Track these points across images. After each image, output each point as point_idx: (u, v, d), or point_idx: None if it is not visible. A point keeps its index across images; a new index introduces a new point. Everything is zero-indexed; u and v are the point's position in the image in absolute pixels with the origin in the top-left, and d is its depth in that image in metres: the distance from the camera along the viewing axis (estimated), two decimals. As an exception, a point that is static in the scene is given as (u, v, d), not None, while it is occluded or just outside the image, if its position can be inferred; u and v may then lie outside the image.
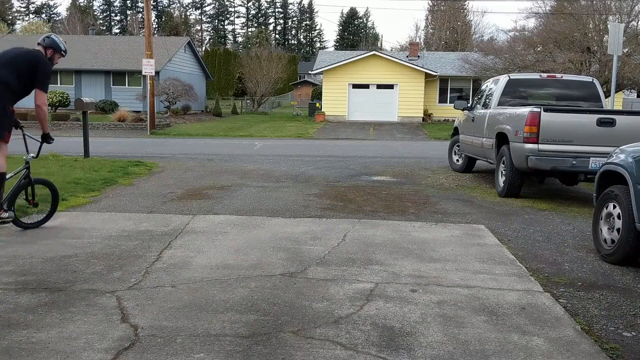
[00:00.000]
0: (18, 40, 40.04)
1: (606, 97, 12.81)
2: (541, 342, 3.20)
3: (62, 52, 5.67)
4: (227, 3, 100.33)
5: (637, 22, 23.34)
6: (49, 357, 2.87)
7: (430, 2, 71.21)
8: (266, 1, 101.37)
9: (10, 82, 5.21)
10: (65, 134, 21.64)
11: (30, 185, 5.74)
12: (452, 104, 12.38)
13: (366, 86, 31.42)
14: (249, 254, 4.84)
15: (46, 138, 5.62)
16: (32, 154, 5.68)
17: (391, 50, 57.92)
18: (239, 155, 13.71)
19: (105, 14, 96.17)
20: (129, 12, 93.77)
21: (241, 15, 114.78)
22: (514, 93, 9.40)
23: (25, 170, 5.68)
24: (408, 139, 22.50)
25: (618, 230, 4.88)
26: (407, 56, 35.53)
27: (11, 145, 5.55)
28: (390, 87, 31.42)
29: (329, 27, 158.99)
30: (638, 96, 32.85)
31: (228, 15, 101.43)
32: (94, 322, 3.32)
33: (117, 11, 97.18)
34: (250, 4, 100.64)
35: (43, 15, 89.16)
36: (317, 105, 33.39)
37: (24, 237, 5.31)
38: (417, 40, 59.73)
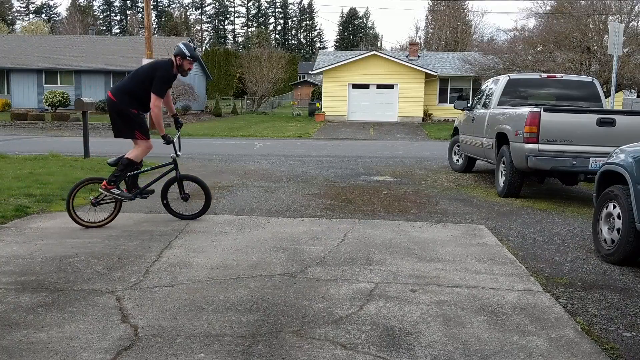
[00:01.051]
0: (18, 40, 40.10)
1: (606, 97, 12.82)
2: (541, 342, 3.20)
3: (188, 57, 5.81)
4: (227, 3, 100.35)
5: (637, 22, 23.34)
6: (49, 357, 2.87)
7: (430, 2, 71.26)
8: (266, 1, 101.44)
9: (132, 90, 5.77)
10: (65, 134, 21.65)
11: (178, 180, 6.15)
12: (452, 104, 12.38)
13: (366, 86, 31.42)
14: (249, 254, 4.84)
15: (165, 138, 5.79)
16: (178, 153, 6.02)
17: (391, 50, 57.94)
18: (239, 155, 13.70)
19: (105, 14, 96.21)
20: (129, 12, 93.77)
21: (241, 15, 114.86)
22: (514, 93, 9.40)
23: (170, 165, 6.10)
24: (408, 139, 22.50)
25: (618, 230, 4.88)
26: (407, 56, 35.53)
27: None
28: (390, 87, 31.42)
29: (329, 27, 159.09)
30: (638, 96, 32.84)
31: (228, 15, 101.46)
32: (94, 322, 3.32)
33: (117, 11, 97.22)
34: (250, 4, 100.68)
35: (43, 15, 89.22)
36: (317, 105, 33.39)
37: (24, 237, 5.31)
38: (417, 40, 59.72)
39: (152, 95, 5.67)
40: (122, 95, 5.74)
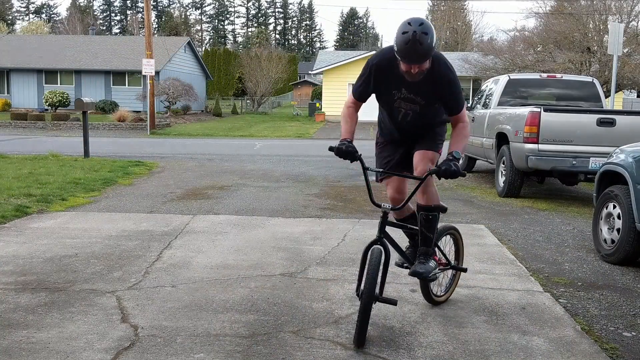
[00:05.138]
0: (18, 40, 40.09)
1: (606, 97, 12.81)
2: (541, 342, 3.20)
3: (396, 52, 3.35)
4: (227, 3, 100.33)
5: (637, 22, 23.33)
6: (49, 357, 2.87)
7: (430, 2, 71.30)
8: (266, 1, 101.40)
9: None
10: (65, 134, 21.65)
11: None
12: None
13: (366, 86, 31.36)
14: (249, 254, 4.83)
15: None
16: None
17: (391, 50, 57.77)
18: (239, 155, 13.70)
19: (105, 14, 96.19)
20: (129, 12, 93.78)
21: (241, 15, 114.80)
22: (514, 93, 9.40)
23: None
24: (408, 139, 22.47)
25: (618, 230, 4.88)
26: (407, 56, 35.47)
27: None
28: (391, 87, 31.37)
29: (329, 27, 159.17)
30: (638, 96, 32.84)
31: (228, 15, 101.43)
32: (94, 322, 3.32)
33: (117, 11, 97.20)
34: (250, 4, 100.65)
35: (43, 15, 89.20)
36: (317, 105, 33.39)
37: (24, 237, 5.31)
38: (417, 40, 59.52)
39: None
40: None
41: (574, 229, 6.26)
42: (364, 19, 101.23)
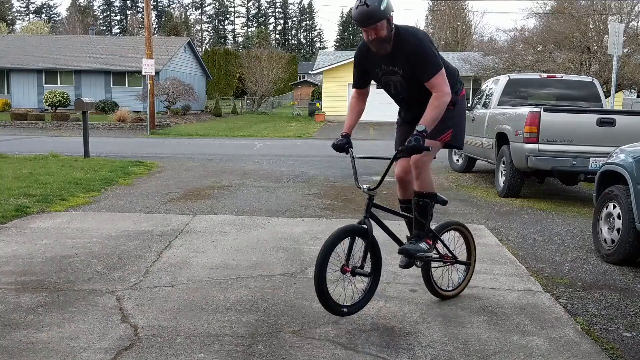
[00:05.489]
0: (18, 40, 40.09)
1: (606, 97, 12.81)
2: (541, 342, 3.20)
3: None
4: (227, 3, 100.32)
5: (637, 22, 23.35)
6: (49, 357, 2.87)
7: (430, 2, 71.25)
8: (266, 1, 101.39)
9: None
10: (65, 134, 21.65)
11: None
12: (452, 104, 12.35)
13: (366, 86, 31.38)
14: (249, 254, 4.83)
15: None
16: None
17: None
18: (239, 155, 13.70)
19: (105, 14, 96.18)
20: (129, 12, 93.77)
21: (241, 15, 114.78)
22: (514, 93, 9.40)
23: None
24: (408, 139, 22.47)
25: (618, 230, 4.88)
26: (407, 56, 35.48)
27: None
28: (391, 87, 31.38)
29: (329, 27, 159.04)
30: (638, 96, 32.84)
31: (228, 15, 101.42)
32: (94, 322, 3.32)
33: (117, 11, 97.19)
34: (250, 4, 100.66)
35: (43, 15, 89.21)
36: (317, 105, 33.38)
37: (24, 237, 5.31)
38: (417, 40, 59.55)
39: None
40: None
41: (574, 229, 6.26)
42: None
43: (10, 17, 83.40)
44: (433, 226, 3.77)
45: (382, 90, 3.77)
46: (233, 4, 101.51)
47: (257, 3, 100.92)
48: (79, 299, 3.68)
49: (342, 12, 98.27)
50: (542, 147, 7.53)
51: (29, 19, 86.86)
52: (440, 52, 3.48)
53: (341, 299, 3.35)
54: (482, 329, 3.36)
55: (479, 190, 8.99)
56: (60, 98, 31.35)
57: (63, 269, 4.33)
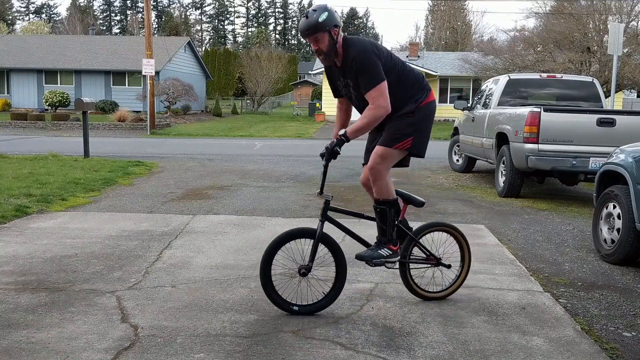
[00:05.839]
0: (18, 40, 40.09)
1: (606, 97, 12.81)
2: (541, 342, 3.20)
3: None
4: (227, 3, 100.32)
5: (637, 22, 23.34)
6: (49, 357, 2.87)
7: (430, 2, 71.24)
8: (266, 1, 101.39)
9: None
10: (65, 134, 21.65)
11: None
12: (452, 104, 12.38)
13: (366, 86, 31.36)
14: (249, 254, 4.83)
15: None
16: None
17: (391, 50, 57.84)
18: (239, 155, 13.70)
19: (105, 14, 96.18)
20: (129, 12, 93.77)
21: (241, 15, 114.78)
22: (514, 93, 9.41)
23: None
24: (408, 139, 22.46)
25: (618, 230, 4.88)
26: (407, 56, 35.50)
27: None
28: (391, 87, 31.36)
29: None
30: (638, 96, 32.84)
31: (228, 15, 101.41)
32: (94, 322, 3.32)
33: (117, 11, 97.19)
34: (250, 4, 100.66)
35: (43, 15, 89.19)
36: (317, 105, 33.38)
37: (24, 237, 5.31)
38: (417, 40, 59.70)
39: None
40: None
41: (574, 229, 6.26)
42: (364, 19, 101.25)
43: (10, 17, 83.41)
44: (415, 227, 3.79)
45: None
46: (233, 4, 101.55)
47: (257, 3, 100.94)
48: (79, 299, 3.68)
49: (342, 12, 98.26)
50: (542, 147, 7.53)
51: (29, 19, 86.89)
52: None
53: (292, 297, 3.52)
54: (482, 329, 3.36)
55: (479, 190, 8.99)
56: (60, 98, 31.35)
57: (63, 269, 4.32)
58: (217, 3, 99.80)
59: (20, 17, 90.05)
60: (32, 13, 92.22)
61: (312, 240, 3.52)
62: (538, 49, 24.33)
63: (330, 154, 3.40)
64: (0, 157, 11.49)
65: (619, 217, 4.89)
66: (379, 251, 3.60)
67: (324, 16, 3.35)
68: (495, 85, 9.81)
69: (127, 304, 3.62)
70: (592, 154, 7.42)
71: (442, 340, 3.19)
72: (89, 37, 41.61)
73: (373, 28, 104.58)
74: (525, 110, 7.77)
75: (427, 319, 3.49)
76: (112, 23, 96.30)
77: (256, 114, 38.77)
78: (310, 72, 42.31)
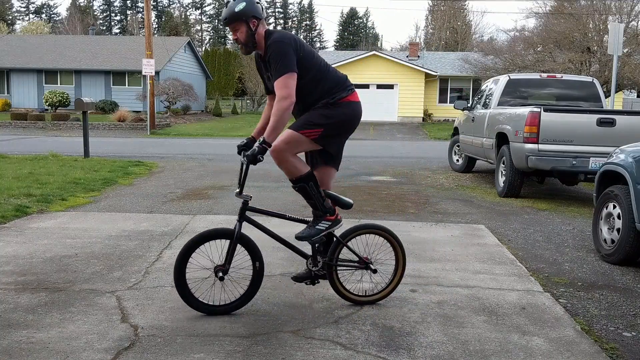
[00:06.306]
0: (18, 40, 40.08)
1: (606, 97, 12.82)
2: (541, 342, 3.20)
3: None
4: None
5: (637, 22, 23.35)
6: (49, 357, 2.87)
7: (430, 2, 71.25)
8: (266, 1, 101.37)
9: None
10: (65, 134, 21.65)
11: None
12: (452, 104, 12.39)
13: (366, 86, 31.40)
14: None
15: None
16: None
17: (391, 50, 57.91)
18: (238, 155, 13.69)
19: (105, 14, 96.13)
20: (129, 12, 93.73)
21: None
22: (514, 93, 9.41)
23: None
24: (408, 139, 22.50)
25: (618, 230, 4.88)
26: (407, 56, 35.54)
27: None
28: (390, 87, 31.42)
29: (329, 27, 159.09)
30: (638, 96, 32.84)
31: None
32: (94, 322, 3.32)
33: (117, 11, 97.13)
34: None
35: (43, 15, 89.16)
36: (317, 105, 33.35)
37: (24, 237, 5.31)
38: (417, 40, 59.69)
39: None
40: None
41: (574, 229, 6.26)
42: (364, 19, 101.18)
43: (10, 17, 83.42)
44: (342, 231, 3.71)
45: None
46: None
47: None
48: (79, 299, 3.68)
49: (342, 12, 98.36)
50: (542, 147, 7.53)
51: (29, 19, 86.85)
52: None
53: (208, 297, 3.52)
54: (482, 329, 3.36)
55: (479, 190, 8.99)
56: (60, 98, 31.36)
57: (63, 269, 4.32)
58: (217, 3, 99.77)
59: (20, 17, 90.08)
60: (32, 13, 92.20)
61: (230, 241, 3.50)
62: (538, 49, 24.35)
63: (251, 161, 3.41)
64: (0, 157, 11.49)
65: (619, 217, 4.89)
66: (317, 227, 3.56)
67: (241, 6, 3.34)
68: (495, 85, 9.82)
69: (127, 304, 3.62)
70: (592, 154, 7.42)
71: (442, 340, 3.19)
72: (89, 37, 41.60)
73: (373, 28, 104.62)
74: (525, 110, 7.77)
75: (427, 319, 3.49)
76: (112, 23, 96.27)
77: (256, 114, 38.77)
78: (310, 72, 42.25)
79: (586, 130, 7.48)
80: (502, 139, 8.46)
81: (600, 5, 22.20)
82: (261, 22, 3.45)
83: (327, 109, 3.51)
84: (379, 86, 31.43)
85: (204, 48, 77.02)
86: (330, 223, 3.61)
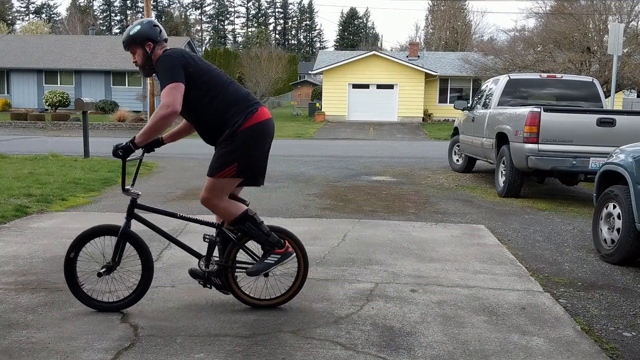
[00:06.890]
0: (18, 40, 40.09)
1: (606, 97, 12.81)
2: (541, 342, 3.20)
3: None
4: (227, 3, 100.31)
5: (637, 22, 23.34)
6: (49, 357, 2.87)
7: (430, 2, 71.26)
8: (266, 1, 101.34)
9: None
10: (65, 134, 21.65)
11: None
12: (452, 104, 12.39)
13: (366, 86, 31.43)
14: (249, 254, 4.82)
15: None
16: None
17: (391, 50, 57.91)
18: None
19: (105, 14, 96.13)
20: (129, 12, 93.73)
21: (241, 15, 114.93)
22: (514, 93, 9.40)
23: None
24: (408, 139, 22.50)
25: (618, 230, 4.88)
26: (407, 56, 35.53)
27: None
28: (390, 87, 31.42)
29: (329, 27, 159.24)
30: (638, 96, 32.85)
31: (228, 15, 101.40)
32: (94, 322, 3.32)
33: (117, 11, 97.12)
34: (250, 4, 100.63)
35: (43, 15, 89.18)
36: (317, 105, 33.38)
37: (24, 237, 5.31)
38: (417, 40, 59.69)
39: None
40: None
41: (574, 229, 6.26)
42: (364, 19, 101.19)
43: (10, 17, 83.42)
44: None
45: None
46: (233, 4, 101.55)
47: (257, 3, 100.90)
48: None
49: (342, 12, 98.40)
50: (542, 147, 7.53)
51: (29, 19, 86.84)
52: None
53: (98, 294, 3.58)
54: (482, 329, 3.36)
55: (479, 190, 8.99)
56: (60, 98, 31.36)
57: (63, 269, 4.31)
58: (217, 3, 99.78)
59: (20, 17, 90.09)
60: (32, 13, 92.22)
61: (116, 238, 3.58)
62: (538, 49, 24.34)
63: (113, 152, 3.41)
64: (0, 157, 11.49)
65: (619, 217, 4.89)
66: (266, 261, 3.48)
67: (135, 30, 3.44)
68: (495, 85, 9.81)
69: (127, 304, 3.62)
70: (592, 154, 7.42)
71: (442, 340, 3.19)
72: (89, 37, 41.62)
73: (373, 28, 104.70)
74: (525, 110, 7.77)
75: (427, 319, 3.49)
76: (112, 23, 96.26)
77: (256, 114, 38.71)
78: (310, 72, 42.27)
79: (586, 130, 7.47)
80: (502, 139, 8.46)
81: (600, 5, 22.19)
82: (159, 44, 3.51)
83: (233, 143, 3.50)
84: (379, 86, 31.44)
85: (204, 48, 77.03)
86: (279, 256, 3.50)
